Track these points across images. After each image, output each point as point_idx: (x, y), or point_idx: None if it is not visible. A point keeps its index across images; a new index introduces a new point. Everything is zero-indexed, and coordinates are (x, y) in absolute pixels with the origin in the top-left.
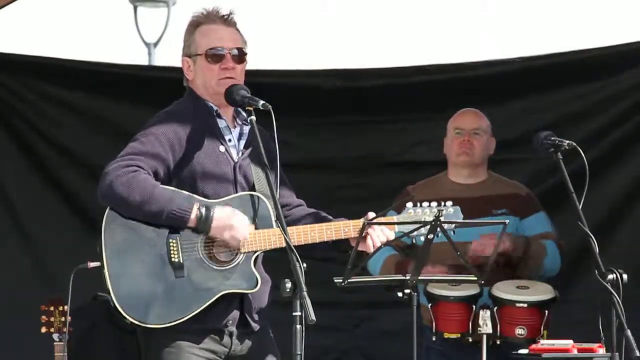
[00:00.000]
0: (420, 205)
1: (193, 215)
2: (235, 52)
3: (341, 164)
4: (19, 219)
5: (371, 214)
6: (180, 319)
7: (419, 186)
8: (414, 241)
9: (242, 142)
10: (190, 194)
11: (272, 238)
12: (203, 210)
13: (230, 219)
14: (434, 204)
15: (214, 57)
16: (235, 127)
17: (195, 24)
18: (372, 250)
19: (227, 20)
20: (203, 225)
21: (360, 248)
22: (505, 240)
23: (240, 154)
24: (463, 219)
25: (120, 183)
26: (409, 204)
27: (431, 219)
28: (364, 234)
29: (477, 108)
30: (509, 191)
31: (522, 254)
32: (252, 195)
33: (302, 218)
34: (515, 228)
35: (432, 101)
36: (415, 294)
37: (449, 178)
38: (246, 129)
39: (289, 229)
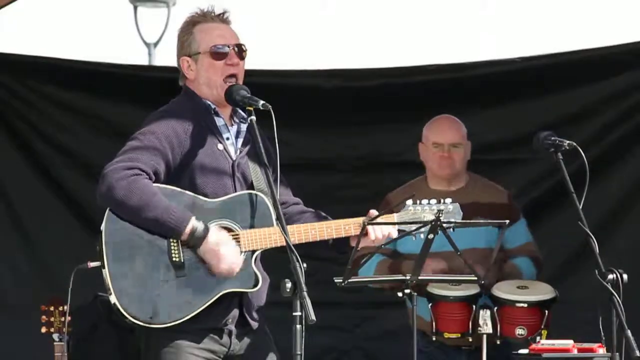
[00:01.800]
0: (420, 203)
1: (188, 229)
2: (237, 48)
3: (341, 164)
4: (19, 219)
5: (373, 212)
6: (181, 319)
7: (399, 192)
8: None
9: (240, 140)
10: (194, 199)
11: (272, 237)
12: (199, 226)
13: (221, 247)
14: (433, 201)
15: (218, 54)
16: (232, 125)
17: (192, 23)
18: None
19: (224, 19)
20: (195, 241)
21: (362, 244)
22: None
23: (238, 152)
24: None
25: (121, 187)
26: (409, 202)
27: (431, 217)
28: (365, 232)
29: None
30: (489, 199)
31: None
32: (251, 194)
33: (299, 214)
34: (496, 237)
35: (432, 101)
36: (416, 294)
37: (428, 185)
38: (244, 127)
39: (289, 228)
